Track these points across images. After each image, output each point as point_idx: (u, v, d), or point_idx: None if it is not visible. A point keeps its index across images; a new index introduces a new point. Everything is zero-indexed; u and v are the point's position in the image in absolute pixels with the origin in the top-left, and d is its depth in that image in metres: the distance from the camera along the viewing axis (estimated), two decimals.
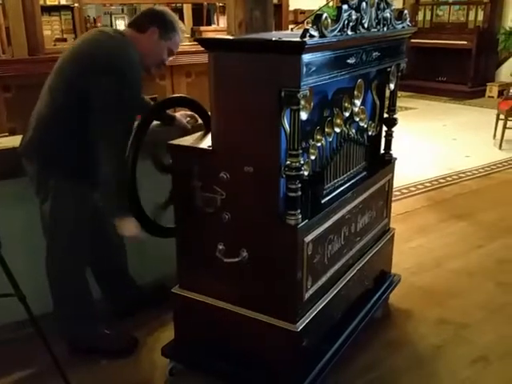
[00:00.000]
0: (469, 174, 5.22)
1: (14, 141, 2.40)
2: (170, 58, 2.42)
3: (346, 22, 1.87)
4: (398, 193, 4.54)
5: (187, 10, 6.65)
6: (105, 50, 2.18)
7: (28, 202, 2.37)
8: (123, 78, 2.12)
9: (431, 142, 6.37)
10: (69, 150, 2.22)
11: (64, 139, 2.21)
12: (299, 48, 1.65)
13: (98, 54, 2.17)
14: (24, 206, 2.44)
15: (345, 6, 1.86)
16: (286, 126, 1.76)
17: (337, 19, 1.82)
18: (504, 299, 2.97)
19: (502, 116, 6.11)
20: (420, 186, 4.85)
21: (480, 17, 9.23)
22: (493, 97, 8.99)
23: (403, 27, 2.35)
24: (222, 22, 6.46)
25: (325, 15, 1.72)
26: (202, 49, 1.84)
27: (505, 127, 6.01)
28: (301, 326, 1.97)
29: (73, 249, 2.35)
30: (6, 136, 2.80)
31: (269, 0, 3.15)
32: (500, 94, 8.64)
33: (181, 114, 2.63)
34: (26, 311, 1.96)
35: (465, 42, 9.17)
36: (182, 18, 6.52)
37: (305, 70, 1.68)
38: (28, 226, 2.44)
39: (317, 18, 1.71)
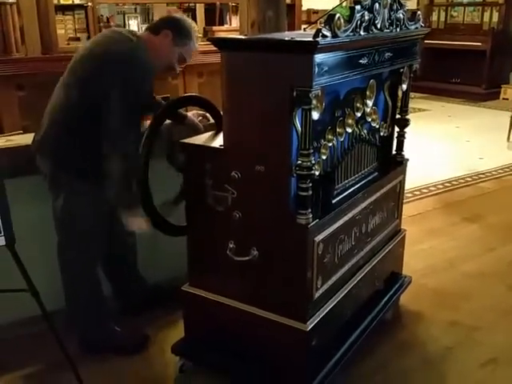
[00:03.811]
0: (482, 176, 5.18)
1: (28, 138, 2.41)
2: (180, 68, 2.43)
3: (359, 22, 1.87)
4: (409, 194, 4.52)
5: (200, 9, 6.66)
6: (116, 50, 2.19)
7: (42, 199, 2.39)
8: (132, 77, 2.14)
9: (444, 143, 6.33)
10: (82, 149, 2.23)
11: (77, 138, 2.22)
12: (311, 48, 1.65)
13: (109, 54, 2.19)
14: (38, 203, 2.46)
15: (358, 7, 1.86)
16: (298, 125, 1.76)
17: (350, 19, 1.83)
18: None
19: None
20: (432, 188, 4.82)
21: (495, 18, 9.16)
22: (507, 99, 8.91)
23: (416, 28, 2.34)
24: (235, 21, 6.46)
25: (338, 15, 1.73)
26: (214, 48, 1.84)
27: None
28: (310, 325, 1.97)
29: (84, 246, 2.37)
30: (20, 133, 2.82)
31: (282, 0, 3.15)
32: None
33: (193, 114, 2.64)
34: (39, 307, 1.98)
35: (479, 44, 9.07)
36: (194, 17, 6.53)
37: (317, 69, 1.68)
38: (42, 223, 2.46)
39: (329, 18, 1.71)
